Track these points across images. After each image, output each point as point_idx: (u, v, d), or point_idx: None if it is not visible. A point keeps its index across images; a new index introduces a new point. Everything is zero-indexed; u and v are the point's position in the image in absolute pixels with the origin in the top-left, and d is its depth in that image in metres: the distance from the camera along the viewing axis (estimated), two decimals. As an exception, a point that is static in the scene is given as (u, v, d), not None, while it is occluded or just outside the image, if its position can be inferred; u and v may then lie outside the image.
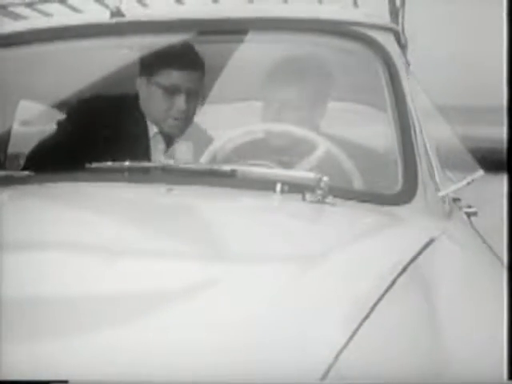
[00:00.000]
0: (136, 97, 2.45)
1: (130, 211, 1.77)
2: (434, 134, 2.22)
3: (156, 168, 1.94)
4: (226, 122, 2.56)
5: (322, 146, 2.13)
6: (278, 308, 1.25)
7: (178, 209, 1.84)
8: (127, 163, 1.92)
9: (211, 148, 2.12)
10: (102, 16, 2.24)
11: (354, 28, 2.22)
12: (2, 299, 1.19)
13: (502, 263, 1.56)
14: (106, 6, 2.42)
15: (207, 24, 2.24)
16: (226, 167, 1.90)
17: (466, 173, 2.22)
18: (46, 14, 2.50)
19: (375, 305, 1.27)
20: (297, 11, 2.31)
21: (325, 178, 1.81)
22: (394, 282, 1.38)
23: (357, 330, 1.20)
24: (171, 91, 2.35)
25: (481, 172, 2.21)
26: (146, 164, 1.97)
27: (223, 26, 2.24)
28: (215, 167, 1.89)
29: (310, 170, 2.04)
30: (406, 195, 1.93)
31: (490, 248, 1.84)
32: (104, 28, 2.29)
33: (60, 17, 2.39)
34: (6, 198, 1.89)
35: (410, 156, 2.01)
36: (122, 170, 1.92)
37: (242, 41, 2.26)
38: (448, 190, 2.13)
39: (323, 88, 2.40)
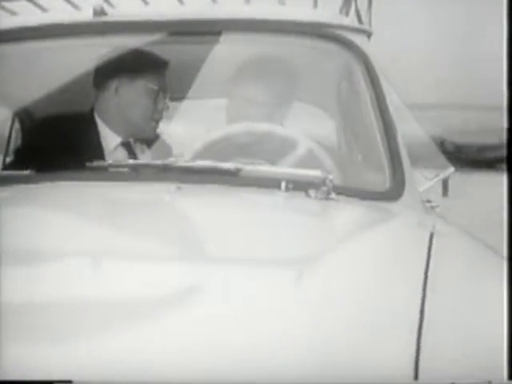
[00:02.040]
0: (91, 112, 2.44)
1: (132, 213, 1.78)
2: (406, 132, 2.32)
3: (158, 166, 1.95)
4: (194, 118, 2.59)
5: (303, 145, 2.18)
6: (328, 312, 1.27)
7: (182, 209, 1.87)
8: (130, 161, 1.93)
9: (190, 149, 2.15)
10: (84, 15, 2.23)
11: (331, 30, 2.28)
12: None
13: (502, 256, 1.61)
14: (74, 5, 2.42)
15: (191, 24, 2.27)
16: (230, 165, 1.93)
17: (436, 170, 2.33)
18: (12, 13, 2.47)
19: (423, 302, 1.32)
20: (272, 13, 2.35)
21: (330, 176, 1.87)
22: (426, 279, 1.42)
23: (420, 328, 1.23)
24: (156, 93, 2.37)
25: (452, 169, 2.32)
26: (149, 162, 1.98)
27: (205, 26, 2.27)
28: (221, 166, 1.91)
29: (292, 167, 2.09)
30: (397, 191, 2.01)
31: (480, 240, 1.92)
32: (80, 28, 2.28)
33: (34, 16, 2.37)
34: (4, 200, 1.87)
35: (395, 154, 2.09)
36: (123, 169, 1.93)
37: (220, 41, 2.29)
38: (425, 186, 2.23)
39: (288, 88, 2.46)
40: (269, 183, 1.91)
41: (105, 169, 1.94)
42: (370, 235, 1.72)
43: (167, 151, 2.46)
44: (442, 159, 2.34)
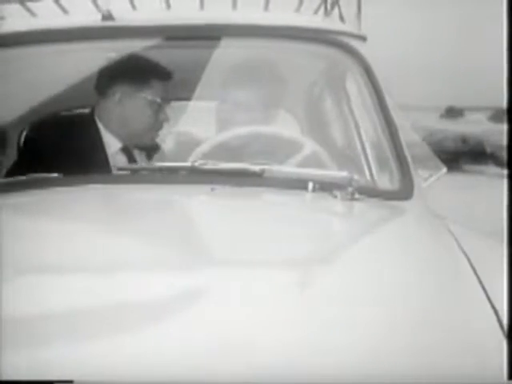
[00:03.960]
0: (92, 115, 2.45)
1: (167, 215, 1.80)
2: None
3: (186, 168, 1.97)
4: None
5: (308, 147, 2.24)
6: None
7: (215, 212, 1.89)
8: (157, 164, 1.95)
9: (198, 150, 2.18)
10: (93, 19, 2.24)
11: (330, 35, 2.35)
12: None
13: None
14: (64, 10, 2.43)
15: (198, 29, 2.29)
16: (255, 167, 1.97)
17: (430, 171, 2.42)
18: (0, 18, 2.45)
19: (488, 297, 1.37)
20: (272, 19, 2.41)
21: (355, 177, 1.94)
22: (475, 270, 1.50)
23: (501, 325, 1.28)
24: (158, 104, 2.41)
25: (444, 169, 2.41)
26: (175, 164, 1.99)
27: (215, 31, 2.30)
28: (249, 167, 1.95)
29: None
30: (408, 191, 2.09)
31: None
32: (82, 32, 2.28)
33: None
34: (29, 205, 1.87)
35: (401, 154, 2.17)
36: (151, 171, 1.95)
37: (220, 46, 2.33)
38: (424, 185, 2.32)
39: (279, 93, 2.52)
40: (296, 184, 1.96)
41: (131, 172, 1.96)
42: (404, 233, 1.79)
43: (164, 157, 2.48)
44: (435, 160, 2.42)
